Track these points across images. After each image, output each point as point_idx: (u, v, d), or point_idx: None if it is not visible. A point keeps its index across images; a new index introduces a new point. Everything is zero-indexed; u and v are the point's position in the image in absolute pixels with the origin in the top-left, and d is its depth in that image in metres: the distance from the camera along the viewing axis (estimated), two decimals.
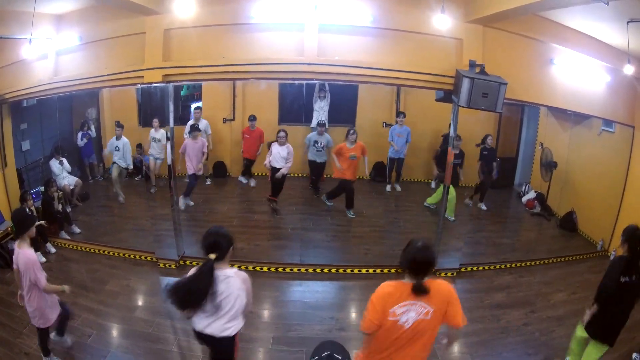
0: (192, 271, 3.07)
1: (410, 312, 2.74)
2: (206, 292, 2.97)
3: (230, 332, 3.16)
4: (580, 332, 4.08)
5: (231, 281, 3.05)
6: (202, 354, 4.38)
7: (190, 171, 7.65)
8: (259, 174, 9.00)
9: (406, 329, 2.75)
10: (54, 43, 6.07)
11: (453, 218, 7.49)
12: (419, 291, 2.71)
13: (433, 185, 8.93)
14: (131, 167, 8.15)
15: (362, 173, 8.11)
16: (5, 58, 6.24)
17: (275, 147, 7.29)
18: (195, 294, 2.98)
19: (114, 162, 7.94)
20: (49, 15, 5.91)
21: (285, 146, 7.26)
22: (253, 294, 3.30)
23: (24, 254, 3.68)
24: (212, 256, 2.96)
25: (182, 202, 7.60)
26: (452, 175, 7.42)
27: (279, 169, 7.26)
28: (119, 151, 7.83)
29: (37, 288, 3.73)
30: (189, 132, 7.62)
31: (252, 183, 8.94)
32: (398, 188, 8.93)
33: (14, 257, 3.79)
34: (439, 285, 2.79)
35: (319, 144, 7.91)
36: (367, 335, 2.84)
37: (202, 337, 3.23)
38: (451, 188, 7.42)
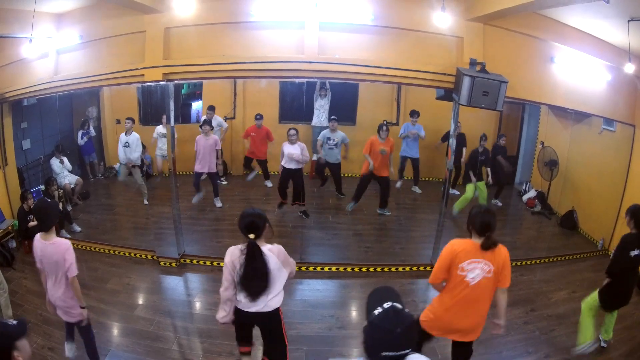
0: (237, 259, 3.20)
1: (476, 270, 3.11)
2: (265, 269, 3.17)
3: (274, 305, 3.33)
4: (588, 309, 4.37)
5: (269, 258, 3.19)
6: (202, 352, 4.40)
7: (197, 169, 7.56)
8: (275, 172, 8.92)
9: (471, 285, 3.12)
10: (55, 42, 6.07)
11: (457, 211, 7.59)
12: (488, 246, 3.08)
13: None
14: (138, 163, 7.87)
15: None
16: (5, 57, 6.25)
17: (286, 147, 7.09)
18: (259, 275, 3.16)
19: (122, 164, 7.82)
20: (49, 14, 5.91)
21: (297, 144, 7.08)
22: None
23: (58, 243, 3.41)
24: (252, 236, 3.15)
25: (217, 202, 7.92)
26: (480, 173, 7.53)
27: (293, 170, 7.12)
28: (129, 147, 7.67)
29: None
30: (200, 127, 7.60)
31: (269, 184, 8.74)
32: (418, 190, 8.77)
33: (38, 252, 3.46)
34: (500, 249, 3.16)
35: (332, 141, 7.72)
36: (434, 286, 3.34)
37: (249, 316, 3.34)
38: (483, 185, 7.60)
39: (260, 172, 8.74)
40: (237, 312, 3.39)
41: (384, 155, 7.20)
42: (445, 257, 3.17)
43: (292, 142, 7.08)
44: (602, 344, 4.53)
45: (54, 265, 3.48)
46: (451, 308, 3.24)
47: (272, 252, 3.23)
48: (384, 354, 1.71)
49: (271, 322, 3.43)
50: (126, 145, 7.68)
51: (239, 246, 3.22)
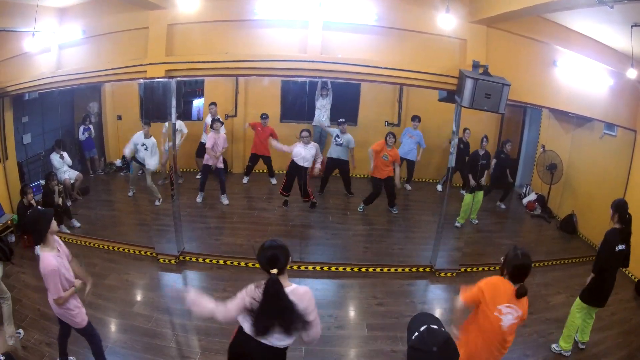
0: (254, 294, 2.78)
1: (509, 315, 3.09)
2: (291, 310, 2.76)
3: (284, 344, 2.91)
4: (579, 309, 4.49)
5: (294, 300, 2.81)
6: (200, 349, 4.40)
7: (207, 163, 7.75)
8: (280, 171, 8.99)
9: (504, 330, 3.09)
10: (57, 36, 6.06)
11: (460, 224, 7.41)
12: (522, 294, 3.10)
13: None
14: (154, 169, 7.66)
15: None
16: (8, 51, 6.24)
17: (299, 147, 7.17)
18: (280, 317, 2.76)
19: (136, 161, 7.70)
20: (52, 8, 5.91)
21: (311, 145, 7.18)
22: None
23: (43, 259, 3.41)
24: (274, 271, 2.76)
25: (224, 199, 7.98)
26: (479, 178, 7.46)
27: (303, 167, 7.20)
28: (147, 150, 7.52)
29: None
30: (211, 126, 7.71)
31: (274, 181, 8.87)
32: (408, 187, 9.00)
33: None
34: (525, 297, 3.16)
35: (339, 139, 7.86)
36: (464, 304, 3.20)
37: (251, 345, 2.87)
38: (481, 194, 7.48)
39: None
40: (238, 336, 2.92)
41: (385, 160, 7.37)
42: (486, 288, 3.11)
43: (306, 143, 7.15)
44: (580, 346, 4.62)
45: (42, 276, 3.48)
46: (484, 350, 3.17)
47: (296, 294, 2.81)
48: None
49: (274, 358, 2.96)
50: (144, 146, 7.55)
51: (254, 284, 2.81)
